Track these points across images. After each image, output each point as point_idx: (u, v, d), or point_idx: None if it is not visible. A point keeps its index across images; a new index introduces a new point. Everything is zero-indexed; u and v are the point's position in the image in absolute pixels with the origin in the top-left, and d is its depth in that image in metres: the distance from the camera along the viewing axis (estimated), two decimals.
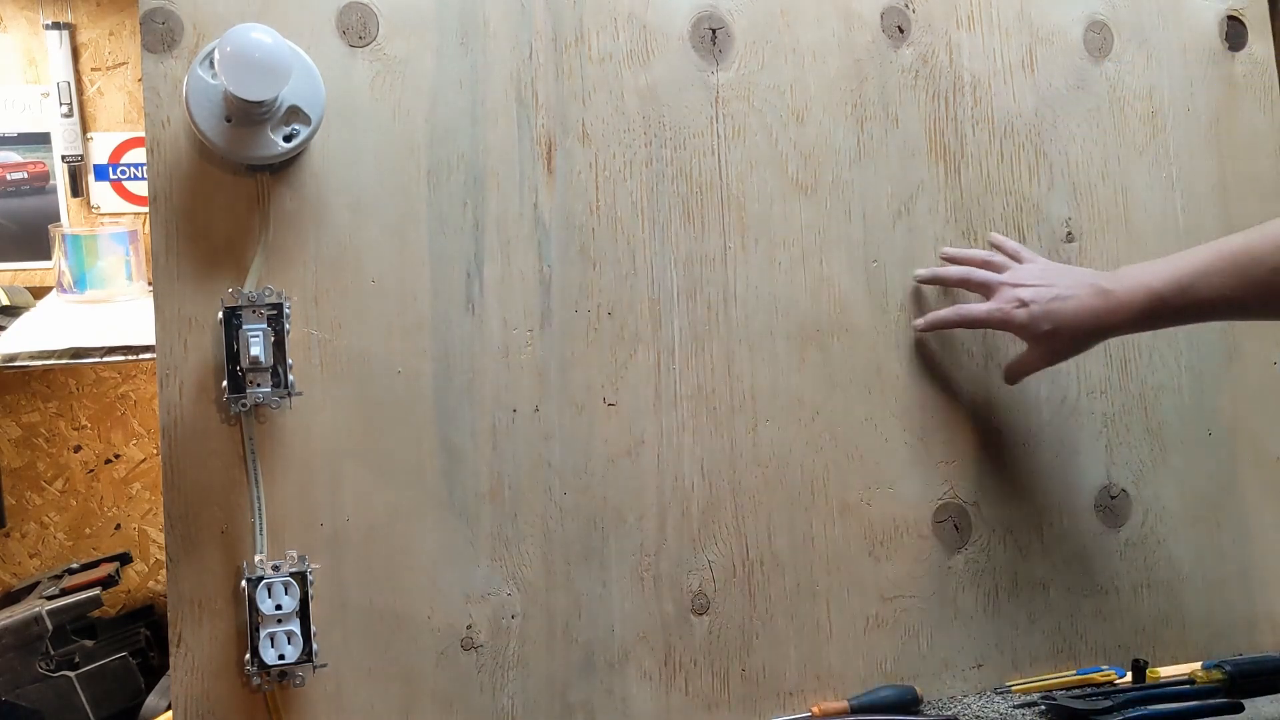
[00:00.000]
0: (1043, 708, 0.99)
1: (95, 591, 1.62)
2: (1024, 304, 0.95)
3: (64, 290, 1.79)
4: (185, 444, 0.88)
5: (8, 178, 1.92)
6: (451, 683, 0.93)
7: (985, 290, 0.99)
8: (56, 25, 1.90)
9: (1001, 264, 1.00)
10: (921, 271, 1.04)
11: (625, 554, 0.97)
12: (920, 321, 1.03)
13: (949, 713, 0.99)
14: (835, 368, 1.03)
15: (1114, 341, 1.10)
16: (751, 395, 1.01)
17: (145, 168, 0.91)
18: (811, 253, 1.03)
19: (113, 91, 1.95)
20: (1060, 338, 0.94)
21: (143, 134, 0.91)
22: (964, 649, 1.05)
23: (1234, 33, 1.17)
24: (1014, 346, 1.05)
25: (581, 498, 0.97)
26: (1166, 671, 1.03)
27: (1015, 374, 1.03)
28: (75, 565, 1.79)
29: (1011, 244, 1.03)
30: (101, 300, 1.77)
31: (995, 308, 0.97)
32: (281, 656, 0.85)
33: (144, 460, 1.95)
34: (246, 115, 0.87)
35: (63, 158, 1.92)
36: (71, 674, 1.58)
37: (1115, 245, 1.11)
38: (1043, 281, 0.95)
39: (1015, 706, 1.00)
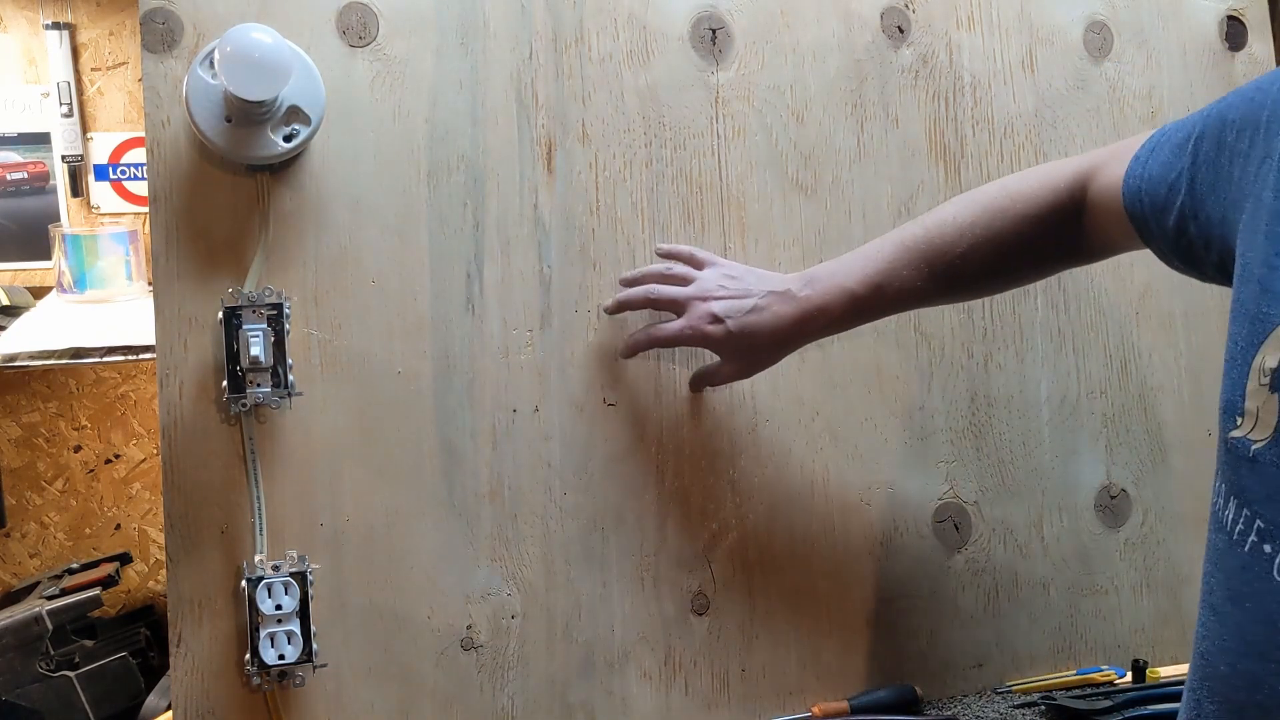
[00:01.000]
0: (1043, 708, 0.99)
1: (95, 591, 1.62)
2: (718, 319, 0.90)
3: (64, 290, 1.79)
4: (185, 444, 0.88)
5: (8, 178, 1.92)
6: (451, 683, 0.93)
7: (675, 307, 0.93)
8: (56, 25, 1.90)
9: (684, 275, 0.94)
10: (608, 303, 0.97)
11: (625, 554, 0.97)
12: (620, 347, 0.97)
13: (949, 713, 0.99)
14: (835, 368, 1.03)
15: (1114, 342, 1.10)
16: (751, 395, 1.01)
17: (145, 168, 0.91)
18: (811, 253, 1.03)
19: (113, 91, 1.95)
20: (759, 351, 0.91)
21: (143, 134, 0.91)
22: (964, 649, 1.05)
23: (1234, 33, 1.17)
24: (1011, 345, 1.05)
25: (581, 498, 0.97)
26: (1166, 671, 1.03)
27: (704, 384, 0.98)
28: (75, 565, 1.79)
29: (684, 248, 0.97)
30: (101, 300, 1.77)
31: (687, 325, 0.91)
32: (281, 656, 0.85)
33: (144, 460, 1.95)
34: (246, 115, 0.87)
35: (63, 158, 1.92)
36: (71, 674, 1.58)
37: None
38: (731, 292, 0.90)
39: (1015, 706, 0.99)
